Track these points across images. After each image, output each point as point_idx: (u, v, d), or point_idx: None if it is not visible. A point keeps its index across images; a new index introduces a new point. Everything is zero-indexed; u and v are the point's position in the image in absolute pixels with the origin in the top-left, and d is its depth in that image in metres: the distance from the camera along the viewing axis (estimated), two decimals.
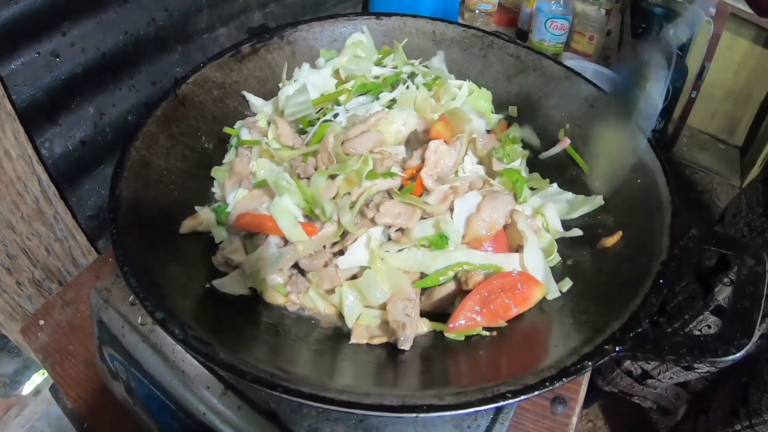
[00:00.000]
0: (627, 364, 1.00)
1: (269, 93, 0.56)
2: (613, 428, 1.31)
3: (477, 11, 1.19)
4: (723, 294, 0.78)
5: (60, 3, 0.59)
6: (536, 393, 0.28)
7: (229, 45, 0.78)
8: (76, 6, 0.61)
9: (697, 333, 0.84)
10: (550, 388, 0.28)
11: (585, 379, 0.54)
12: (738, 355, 0.30)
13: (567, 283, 0.42)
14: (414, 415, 0.26)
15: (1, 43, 0.55)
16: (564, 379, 0.28)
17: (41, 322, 0.61)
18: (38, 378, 0.83)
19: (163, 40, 0.71)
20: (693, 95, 1.94)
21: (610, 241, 0.43)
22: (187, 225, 0.43)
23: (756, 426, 0.78)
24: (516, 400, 0.27)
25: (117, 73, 0.68)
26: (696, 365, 0.88)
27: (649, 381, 0.99)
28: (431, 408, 0.26)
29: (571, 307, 0.39)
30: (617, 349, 0.30)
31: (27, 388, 0.83)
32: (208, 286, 0.40)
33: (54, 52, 0.60)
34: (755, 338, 0.77)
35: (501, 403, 0.27)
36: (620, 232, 0.43)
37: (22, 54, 0.57)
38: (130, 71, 0.69)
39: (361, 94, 0.53)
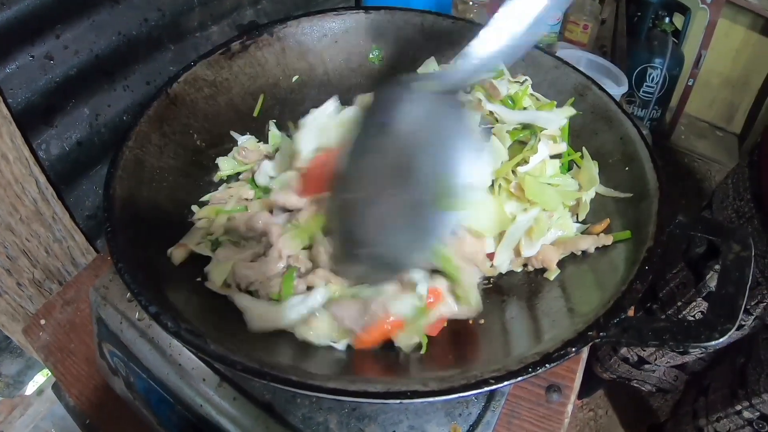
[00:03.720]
0: (624, 351, 1.01)
1: (259, 89, 0.57)
2: (613, 417, 1.32)
3: (471, 2, 1.18)
4: (714, 280, 0.79)
5: (52, 6, 0.59)
6: (519, 379, 0.28)
7: (221, 42, 0.79)
8: (69, 8, 0.61)
9: (691, 319, 0.84)
10: (533, 374, 0.29)
11: (580, 367, 0.54)
12: (721, 340, 0.30)
13: (555, 271, 0.42)
14: (398, 401, 0.27)
15: None
16: (547, 365, 0.29)
17: (42, 322, 0.62)
18: (41, 378, 0.84)
19: (156, 39, 0.72)
20: (690, 83, 1.93)
21: (598, 228, 0.43)
22: (176, 255, 0.41)
23: (756, 405, 0.79)
24: (499, 385, 0.28)
25: (111, 73, 0.68)
26: (691, 349, 0.89)
27: (646, 366, 1.00)
28: (415, 394, 0.27)
29: (558, 294, 0.40)
30: (600, 335, 0.31)
31: (30, 388, 0.84)
32: (198, 279, 0.40)
33: (48, 54, 0.61)
34: (750, 320, 0.77)
35: (484, 389, 0.28)
36: (608, 220, 0.43)
37: (17, 58, 0.58)
38: (124, 71, 0.70)
39: None
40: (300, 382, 0.27)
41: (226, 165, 0.51)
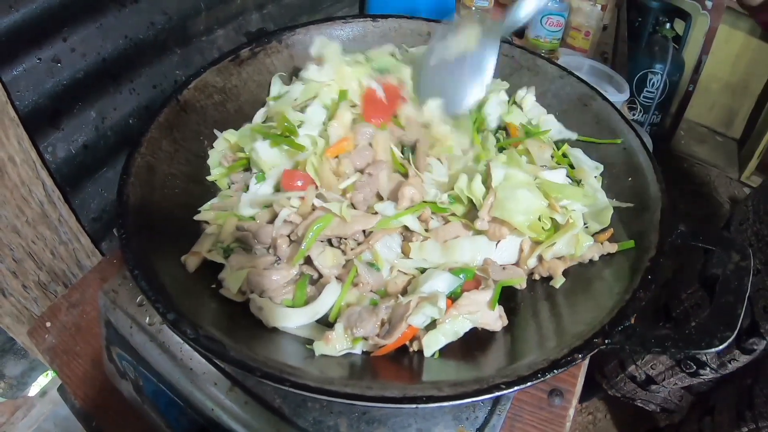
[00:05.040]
0: (632, 369, 1.00)
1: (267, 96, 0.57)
2: (612, 420, 1.33)
3: (473, 8, 1.19)
4: None
5: (60, 9, 0.59)
6: (529, 384, 0.29)
7: (227, 47, 0.79)
8: (76, 12, 0.61)
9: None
10: (542, 379, 0.29)
11: (582, 372, 0.55)
12: (720, 347, 0.31)
13: (560, 280, 0.43)
14: (414, 405, 0.27)
15: (2, 49, 0.56)
16: (555, 370, 0.30)
17: (48, 324, 0.62)
18: (44, 379, 0.85)
19: (163, 43, 0.72)
20: (690, 88, 1.94)
21: (602, 237, 0.44)
22: (190, 263, 0.41)
23: (762, 429, 0.79)
24: (510, 390, 0.29)
25: (117, 77, 0.68)
26: (701, 371, 0.89)
27: (653, 387, 0.99)
28: (430, 399, 0.28)
29: (564, 303, 0.40)
30: (605, 341, 0.32)
31: (33, 390, 0.84)
32: (213, 286, 0.41)
33: (55, 57, 0.61)
34: (763, 345, 0.78)
35: (496, 394, 0.28)
36: (611, 229, 0.44)
37: (24, 60, 0.58)
38: (130, 75, 0.70)
39: None
40: (318, 387, 0.27)
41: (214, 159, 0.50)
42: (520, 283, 0.42)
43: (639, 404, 1.08)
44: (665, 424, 1.24)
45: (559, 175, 0.46)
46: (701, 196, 1.98)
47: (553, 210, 0.43)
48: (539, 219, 0.43)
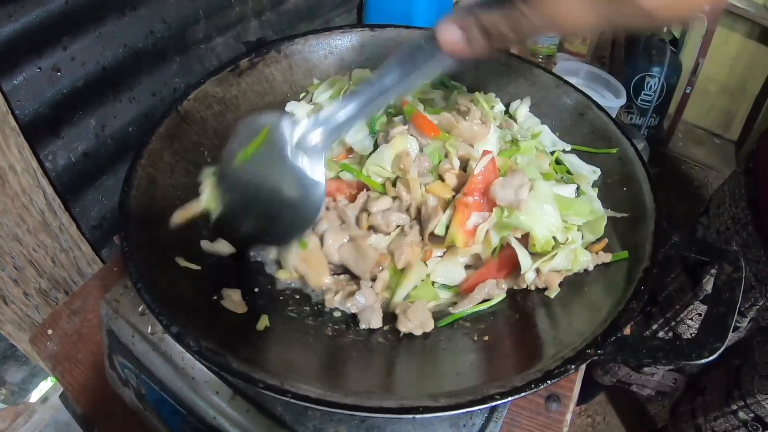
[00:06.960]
0: None
1: (267, 106, 0.58)
2: (611, 423, 1.33)
3: None
4: (711, 284, 0.81)
5: (59, 18, 0.60)
6: (523, 394, 0.30)
7: (226, 55, 0.79)
8: (76, 21, 0.62)
9: (689, 322, 0.86)
10: (535, 390, 0.30)
11: (579, 376, 0.56)
12: (711, 358, 0.32)
13: (555, 290, 0.44)
14: (411, 416, 0.28)
15: (2, 58, 0.56)
16: (548, 381, 0.31)
17: (49, 332, 0.63)
18: (46, 385, 0.85)
19: (162, 51, 0.73)
20: (688, 91, 1.95)
21: (596, 248, 0.45)
22: (177, 217, 0.41)
23: (751, 405, 0.82)
24: (504, 401, 0.30)
25: (117, 85, 0.69)
26: None
27: (645, 369, 1.02)
28: (427, 409, 0.29)
29: (558, 313, 0.41)
30: (598, 352, 0.32)
31: (35, 396, 0.84)
32: (215, 298, 0.41)
33: (55, 66, 0.61)
34: (745, 323, 0.80)
35: (490, 404, 0.29)
36: (606, 240, 0.45)
37: (24, 69, 0.59)
38: (129, 83, 0.70)
39: None
40: (318, 399, 0.28)
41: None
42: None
43: (635, 389, 1.10)
44: (663, 425, 1.25)
45: (569, 191, 0.47)
46: (699, 199, 1.99)
47: (564, 228, 0.43)
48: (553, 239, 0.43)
